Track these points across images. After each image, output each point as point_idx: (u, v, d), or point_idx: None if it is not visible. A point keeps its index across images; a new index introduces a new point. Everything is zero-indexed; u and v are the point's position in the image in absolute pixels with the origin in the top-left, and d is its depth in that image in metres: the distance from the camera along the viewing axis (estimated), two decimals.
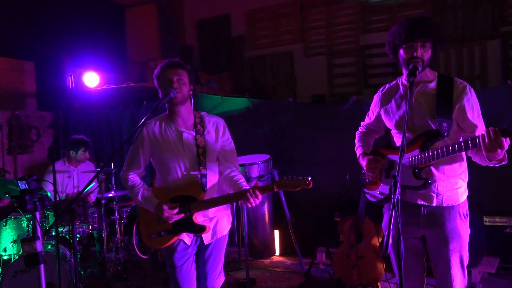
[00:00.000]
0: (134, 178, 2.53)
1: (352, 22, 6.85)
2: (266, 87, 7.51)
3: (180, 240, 2.44)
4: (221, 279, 2.57)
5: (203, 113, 2.55)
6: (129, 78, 6.98)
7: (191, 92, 2.46)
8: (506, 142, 1.84)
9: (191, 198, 2.37)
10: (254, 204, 2.26)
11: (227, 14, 7.82)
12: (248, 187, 2.31)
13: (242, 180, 2.41)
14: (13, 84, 5.88)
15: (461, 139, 2.13)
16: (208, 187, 2.43)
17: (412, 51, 2.10)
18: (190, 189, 2.38)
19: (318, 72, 7.10)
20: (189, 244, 2.45)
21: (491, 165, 2.06)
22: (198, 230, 2.38)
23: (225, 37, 7.89)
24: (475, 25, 6.02)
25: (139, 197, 2.45)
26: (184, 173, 2.41)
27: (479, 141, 1.88)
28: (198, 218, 2.40)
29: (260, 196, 2.25)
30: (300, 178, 2.19)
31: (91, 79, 5.94)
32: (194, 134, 2.44)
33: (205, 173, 2.41)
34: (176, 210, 2.36)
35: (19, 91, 5.96)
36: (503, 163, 2.01)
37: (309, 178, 2.18)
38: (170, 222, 2.38)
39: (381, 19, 6.61)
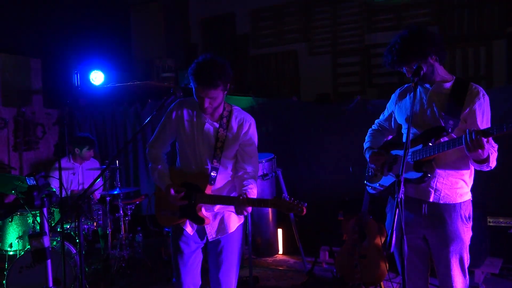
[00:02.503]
0: (156, 154, 2.56)
1: (357, 21, 6.83)
2: (270, 86, 7.50)
3: (183, 228, 2.46)
4: (234, 277, 2.50)
5: (234, 107, 2.50)
6: (134, 76, 7.00)
7: (225, 96, 2.39)
8: (486, 143, 1.91)
9: (198, 188, 2.38)
10: (239, 214, 2.26)
11: (232, 13, 7.81)
12: (248, 195, 2.28)
13: (248, 186, 2.35)
14: (19, 81, 5.91)
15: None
16: (217, 182, 2.42)
17: (409, 70, 2.19)
18: (199, 179, 2.39)
19: (322, 71, 7.08)
20: (191, 234, 2.46)
21: (478, 168, 2.11)
22: (198, 221, 2.39)
23: (229, 35, 7.88)
24: (480, 25, 6.00)
25: (156, 174, 2.51)
26: (198, 162, 2.43)
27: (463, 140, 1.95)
28: (201, 209, 2.41)
29: (249, 209, 2.22)
30: (296, 202, 2.17)
31: (97, 77, 5.97)
32: (217, 126, 2.42)
33: (217, 167, 2.40)
34: (181, 196, 2.38)
35: (25, 88, 5.99)
36: (487, 167, 2.07)
37: (305, 205, 2.16)
38: (176, 205, 2.42)
39: (386, 19, 6.58)
